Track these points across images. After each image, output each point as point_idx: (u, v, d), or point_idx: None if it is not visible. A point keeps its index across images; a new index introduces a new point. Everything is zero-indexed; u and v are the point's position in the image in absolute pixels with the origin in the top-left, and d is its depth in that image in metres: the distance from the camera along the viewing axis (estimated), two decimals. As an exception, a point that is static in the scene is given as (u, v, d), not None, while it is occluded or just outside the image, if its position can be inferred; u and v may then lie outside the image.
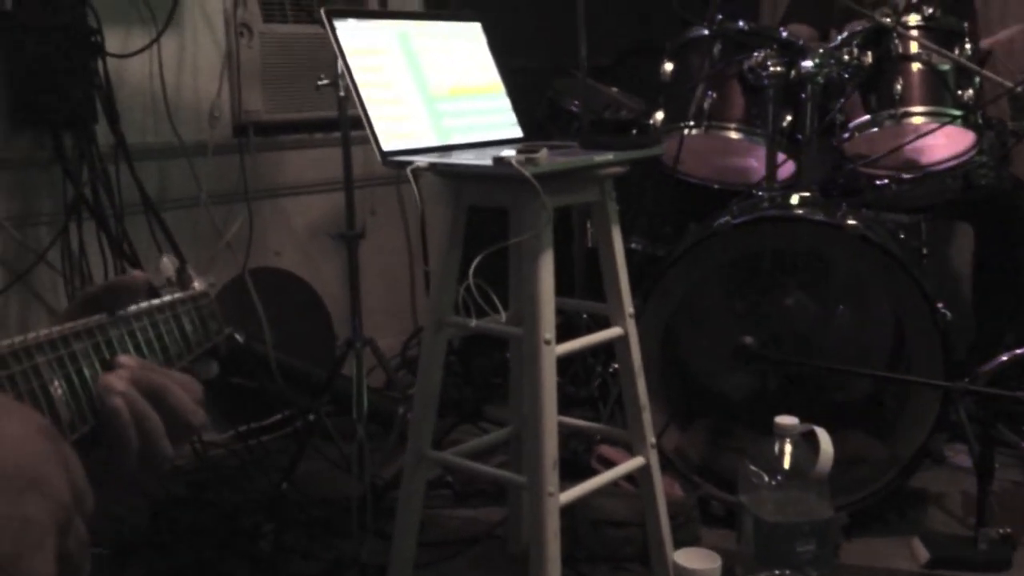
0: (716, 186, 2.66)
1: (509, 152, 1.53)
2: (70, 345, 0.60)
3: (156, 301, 0.77)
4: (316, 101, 2.78)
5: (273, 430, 2.76)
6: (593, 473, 2.25)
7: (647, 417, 1.81)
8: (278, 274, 2.97)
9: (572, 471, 2.21)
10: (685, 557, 1.79)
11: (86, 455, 0.59)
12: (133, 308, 0.71)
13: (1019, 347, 2.39)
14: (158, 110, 2.59)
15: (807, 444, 1.90)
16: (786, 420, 1.88)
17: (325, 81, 2.13)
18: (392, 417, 2.77)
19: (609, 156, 1.65)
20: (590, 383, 2.77)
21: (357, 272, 2.16)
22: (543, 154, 1.51)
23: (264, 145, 2.88)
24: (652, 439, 1.82)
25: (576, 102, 2.98)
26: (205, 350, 0.91)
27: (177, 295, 0.84)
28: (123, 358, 0.65)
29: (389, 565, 1.87)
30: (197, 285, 1.02)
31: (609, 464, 2.23)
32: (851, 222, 2.09)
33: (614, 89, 3.23)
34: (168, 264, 1.04)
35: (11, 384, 0.52)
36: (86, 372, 0.61)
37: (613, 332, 1.77)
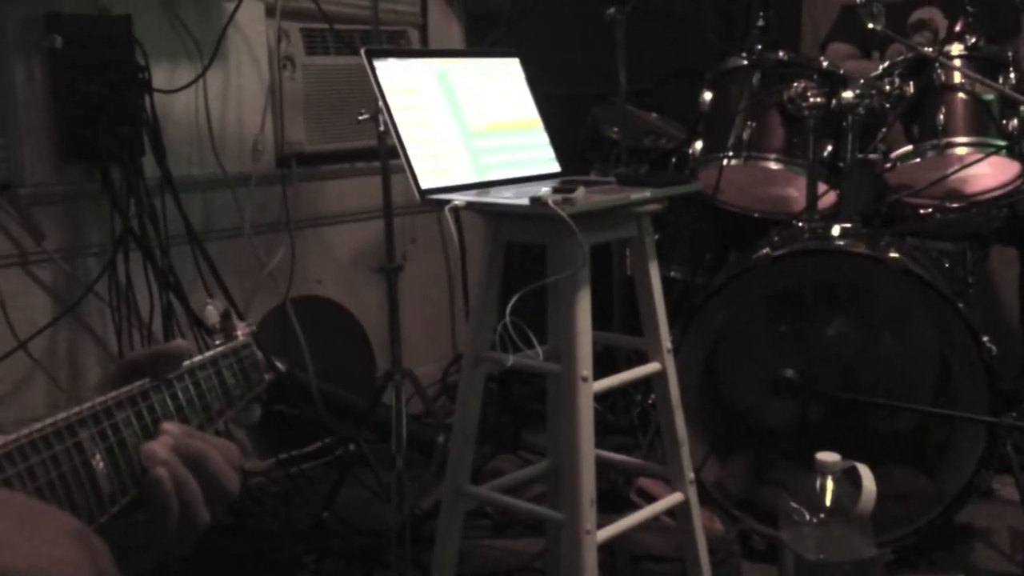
0: (756, 214, 2.65)
1: (546, 190, 1.54)
2: (113, 416, 0.61)
3: (198, 359, 0.78)
4: (357, 131, 2.79)
5: (314, 458, 2.78)
6: (632, 505, 2.24)
7: (685, 452, 1.80)
8: (319, 302, 3.00)
9: (611, 503, 2.20)
10: (725, 595, 1.77)
11: (125, 519, 0.60)
12: (175, 368, 0.73)
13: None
14: (203, 143, 2.64)
15: (849, 480, 1.87)
16: (828, 456, 1.86)
17: (365, 116, 2.16)
18: (431, 445, 2.78)
19: (646, 194, 1.65)
20: (629, 411, 2.76)
21: (396, 305, 2.18)
22: (579, 193, 1.52)
23: (306, 175, 2.92)
24: (691, 475, 1.80)
25: (616, 129, 2.99)
26: (247, 401, 0.93)
27: (219, 349, 0.85)
28: (166, 424, 0.67)
29: (428, 599, 1.87)
30: (240, 333, 1.04)
31: (648, 497, 2.22)
32: (893, 255, 2.07)
33: (653, 115, 3.23)
34: (213, 311, 1.06)
35: (53, 464, 0.54)
36: (128, 441, 0.62)
37: (651, 368, 1.77)
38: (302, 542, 2.23)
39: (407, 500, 2.15)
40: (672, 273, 2.75)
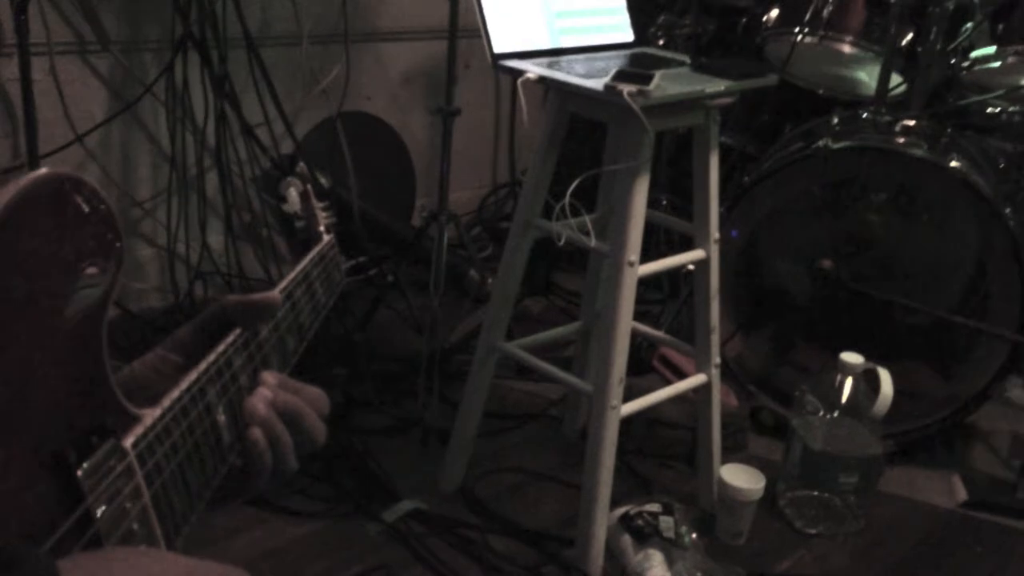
0: (821, 91, 2.59)
1: (617, 73, 1.52)
2: (232, 365, 0.64)
3: (292, 275, 0.81)
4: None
5: (350, 274, 2.85)
6: (653, 371, 2.33)
7: (715, 339, 1.86)
8: (367, 119, 2.99)
9: (632, 367, 2.28)
10: (731, 473, 1.87)
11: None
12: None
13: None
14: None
15: (867, 381, 1.94)
16: (851, 357, 1.91)
17: (440, -51, 2.09)
18: (463, 276, 2.85)
19: (721, 87, 1.63)
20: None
21: (450, 149, 2.17)
22: (655, 83, 1.50)
23: (366, -14, 2.85)
24: (717, 359, 1.87)
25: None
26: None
27: (310, 257, 0.88)
28: (265, 374, 0.68)
29: (452, 435, 1.98)
30: (322, 223, 1.06)
31: (670, 364, 2.30)
32: (954, 164, 2.04)
33: (730, -42, 3.09)
34: (294, 194, 1.09)
35: (190, 433, 0.57)
36: (244, 387, 0.66)
37: (695, 255, 1.80)
38: (335, 360, 2.33)
39: (438, 339, 2.23)
40: (723, 139, 2.71)
